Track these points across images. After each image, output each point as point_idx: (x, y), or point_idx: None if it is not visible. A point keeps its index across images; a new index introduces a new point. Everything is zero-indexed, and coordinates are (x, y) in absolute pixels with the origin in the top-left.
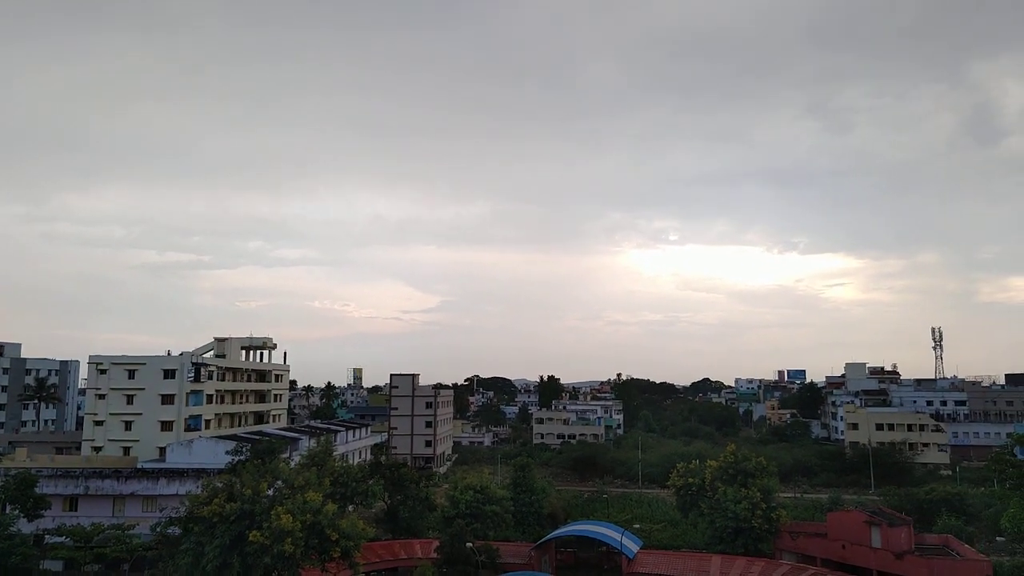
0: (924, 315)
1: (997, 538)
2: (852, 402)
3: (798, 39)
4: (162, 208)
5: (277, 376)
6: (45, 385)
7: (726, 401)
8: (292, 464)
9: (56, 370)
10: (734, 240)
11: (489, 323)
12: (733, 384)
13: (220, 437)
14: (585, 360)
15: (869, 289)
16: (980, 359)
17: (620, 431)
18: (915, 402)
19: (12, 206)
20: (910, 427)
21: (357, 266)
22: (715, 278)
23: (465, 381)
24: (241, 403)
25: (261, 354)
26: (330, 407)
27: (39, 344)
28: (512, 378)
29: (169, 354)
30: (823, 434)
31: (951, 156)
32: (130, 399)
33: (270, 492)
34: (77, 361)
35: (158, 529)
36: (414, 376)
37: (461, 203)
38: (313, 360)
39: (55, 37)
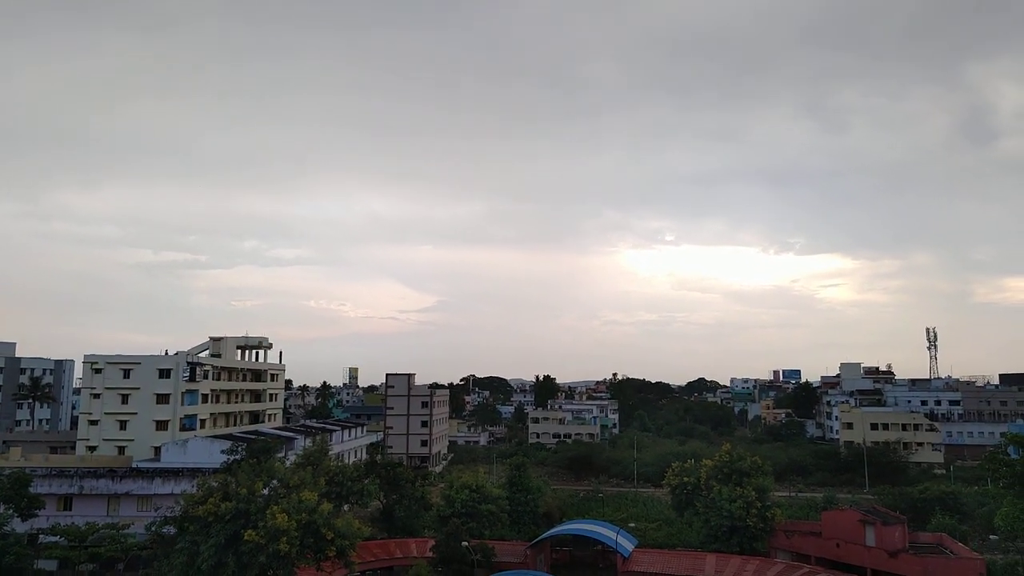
0: (919, 315)
1: (990, 536)
2: (847, 402)
3: (795, 39)
4: (158, 207)
5: (273, 375)
6: (40, 384)
7: (721, 401)
8: (288, 463)
9: (51, 369)
10: (730, 240)
11: (485, 323)
12: (728, 384)
13: (215, 436)
14: (581, 360)
15: (864, 290)
16: (974, 359)
17: (616, 430)
18: (910, 402)
19: (7, 204)
20: (904, 427)
21: (353, 265)
22: (711, 278)
23: (461, 381)
24: (236, 403)
25: (257, 354)
26: (326, 406)
27: (34, 343)
28: (508, 378)
29: (167, 353)
30: (818, 434)
31: (946, 157)
32: (125, 398)
33: (265, 491)
34: (72, 360)
35: (153, 528)
36: (410, 376)
37: (458, 202)
38: (309, 360)
39: (52, 34)
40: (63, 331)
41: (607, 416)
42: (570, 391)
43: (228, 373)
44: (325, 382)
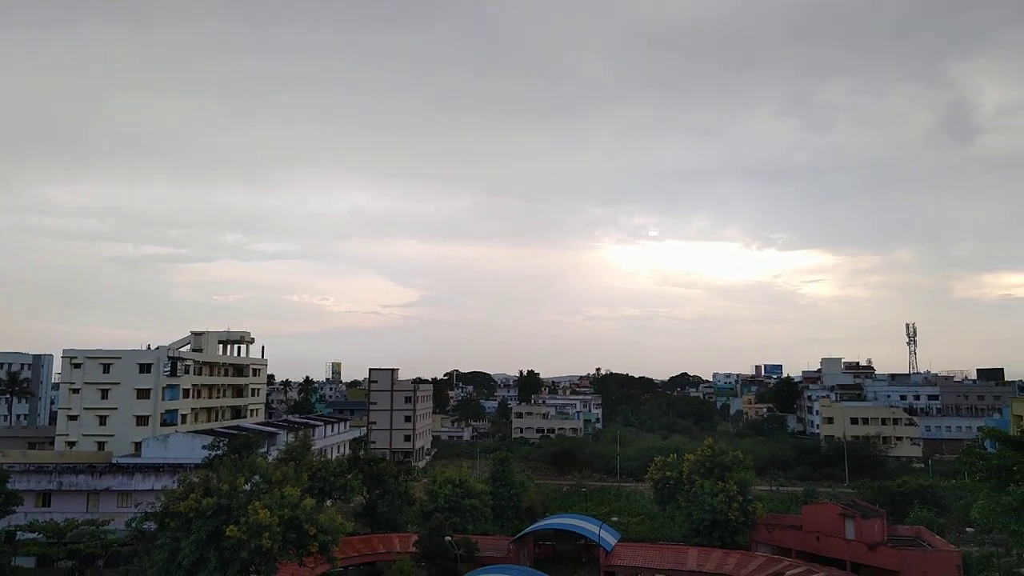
0: (899, 311)
1: (967, 529)
2: (827, 396)
3: (780, 36)
4: (139, 201)
5: (255, 370)
6: (17, 379)
7: (704, 395)
8: (270, 459)
9: (29, 364)
10: (713, 236)
11: (469, 317)
12: (711, 379)
13: (197, 432)
14: (565, 355)
15: (845, 285)
16: (953, 354)
17: (599, 425)
18: (889, 396)
19: None
20: (884, 421)
21: (337, 260)
22: (694, 274)
23: (445, 376)
24: (218, 398)
25: (239, 348)
26: (308, 402)
27: (12, 337)
28: (492, 373)
29: (149, 348)
30: (799, 428)
31: (928, 153)
32: (105, 393)
33: (247, 487)
34: (51, 355)
35: (133, 524)
36: (393, 371)
37: (443, 197)
38: (291, 355)
39: (35, 27)
40: (42, 325)
41: (590, 411)
42: (554, 386)
43: (209, 368)
44: (308, 377)
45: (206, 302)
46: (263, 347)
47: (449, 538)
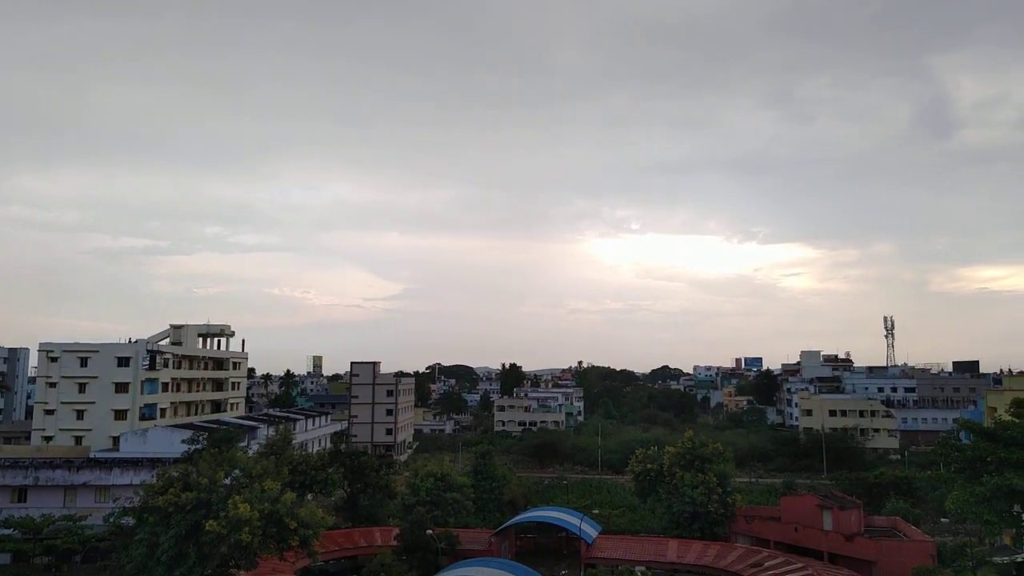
0: (877, 304)
1: (942, 519)
2: (806, 389)
3: (762, 29)
4: (118, 192)
5: (235, 364)
6: None
7: (684, 388)
8: (250, 453)
9: (5, 358)
10: (695, 229)
11: (452, 311)
12: (692, 371)
13: (176, 426)
14: (547, 348)
15: (825, 279)
16: (929, 347)
17: (580, 418)
18: (867, 389)
19: None
20: (862, 413)
21: (318, 253)
22: (676, 267)
23: (427, 369)
24: (198, 391)
25: (219, 342)
26: (289, 395)
27: None
28: (474, 366)
29: (131, 341)
30: (778, 420)
31: (907, 147)
32: (82, 387)
33: (227, 481)
34: (27, 348)
35: (111, 520)
36: (375, 364)
37: (425, 189)
38: (272, 348)
39: (12, 15)
40: (17, 318)
41: (572, 404)
42: (536, 379)
43: (189, 361)
44: (289, 370)
45: (186, 295)
46: (243, 340)
47: (431, 531)
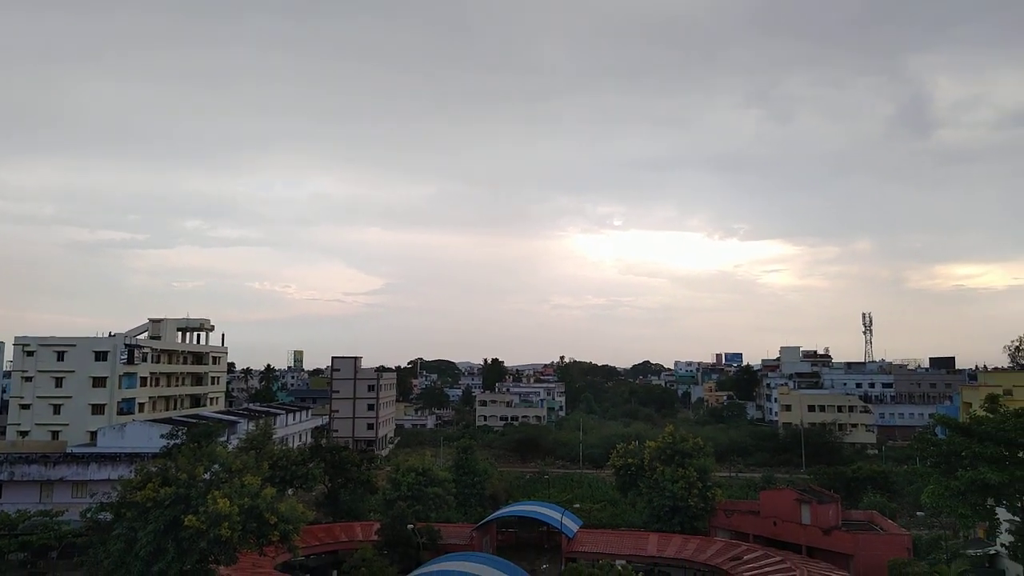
0: (856, 300)
1: (918, 513)
2: (786, 384)
3: (743, 27)
4: (96, 185)
5: (214, 358)
6: None
7: (665, 383)
8: (230, 448)
9: None
10: (677, 226)
11: (434, 306)
12: (672, 367)
13: (155, 421)
14: (529, 343)
15: (805, 275)
16: (907, 343)
17: (562, 413)
18: (845, 384)
19: None
20: (840, 408)
21: (299, 247)
22: (657, 263)
23: (409, 364)
24: (177, 386)
25: (198, 336)
26: (270, 390)
27: None
28: (456, 361)
29: (110, 335)
30: (758, 415)
31: (886, 146)
32: (59, 382)
33: (207, 476)
34: (2, 342)
35: (89, 515)
36: (356, 359)
37: (408, 184)
38: (253, 342)
39: None
40: None
41: (554, 399)
42: (518, 374)
43: (168, 356)
44: (269, 365)
45: (165, 289)
46: (223, 335)
47: (412, 526)
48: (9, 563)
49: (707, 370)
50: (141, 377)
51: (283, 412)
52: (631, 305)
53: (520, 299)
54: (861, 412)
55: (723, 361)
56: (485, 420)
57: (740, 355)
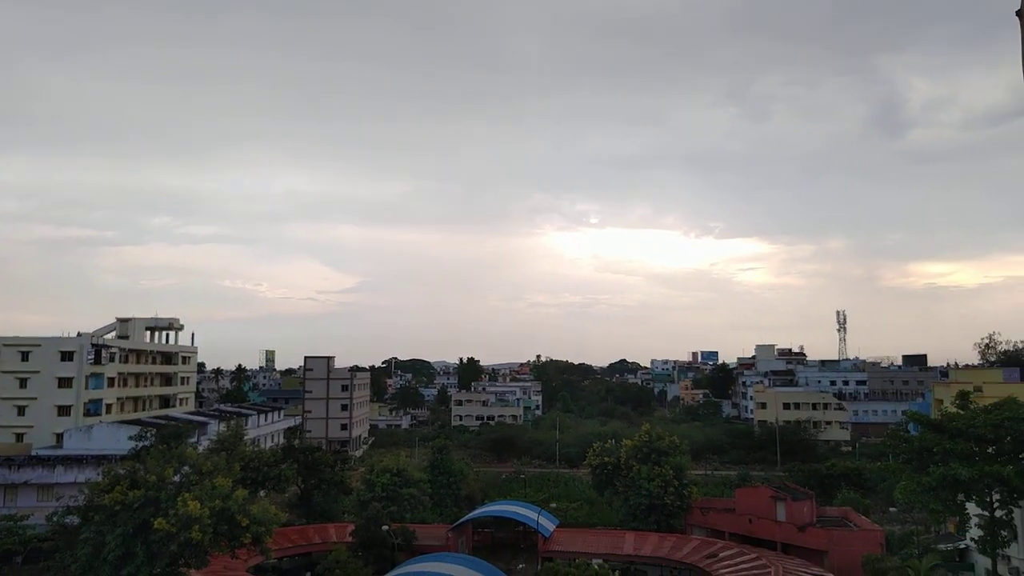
0: (830, 299)
1: (890, 509)
2: (761, 382)
3: (718, 26)
4: (61, 180)
5: (184, 358)
6: None
7: (642, 382)
8: (200, 449)
9: None
10: (653, 224)
11: (408, 304)
12: (649, 365)
13: (123, 422)
14: (505, 341)
15: (780, 273)
16: (880, 341)
17: (539, 412)
18: (820, 382)
19: None
20: (815, 406)
21: (270, 244)
22: (634, 261)
23: (383, 363)
24: (146, 386)
25: (167, 335)
26: (241, 390)
27: None
28: (431, 360)
29: (79, 335)
30: (734, 413)
31: (860, 145)
32: (23, 383)
33: (176, 478)
34: None
35: (55, 519)
36: (329, 358)
37: (382, 181)
38: (223, 342)
39: None
40: None
41: (530, 398)
42: (494, 373)
43: (137, 356)
44: (240, 365)
45: (133, 287)
46: (193, 334)
47: (386, 527)
48: None
49: (683, 368)
50: (109, 378)
51: (255, 413)
52: (608, 303)
53: (496, 297)
54: (835, 409)
55: (699, 359)
56: (461, 420)
57: (716, 353)
